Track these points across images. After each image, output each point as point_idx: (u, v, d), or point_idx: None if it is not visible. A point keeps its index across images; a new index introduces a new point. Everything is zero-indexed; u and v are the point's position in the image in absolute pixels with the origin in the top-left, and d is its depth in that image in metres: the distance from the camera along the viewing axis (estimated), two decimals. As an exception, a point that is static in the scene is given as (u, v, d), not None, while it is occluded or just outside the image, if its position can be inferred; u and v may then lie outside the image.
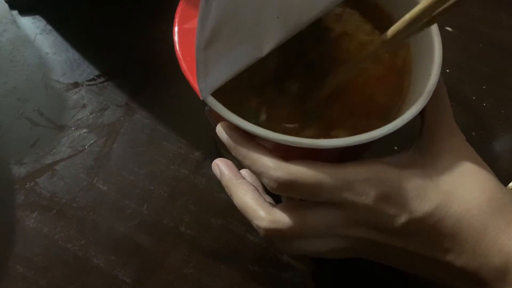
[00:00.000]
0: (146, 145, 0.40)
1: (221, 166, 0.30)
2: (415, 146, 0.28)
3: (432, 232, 0.25)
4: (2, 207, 0.37)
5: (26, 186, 0.38)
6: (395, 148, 0.40)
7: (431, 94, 0.27)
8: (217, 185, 0.38)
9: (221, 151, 0.39)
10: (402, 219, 0.24)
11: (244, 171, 0.31)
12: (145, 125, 0.41)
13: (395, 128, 0.25)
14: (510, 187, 0.39)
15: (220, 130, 0.27)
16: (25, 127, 0.41)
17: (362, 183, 0.25)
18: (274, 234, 0.27)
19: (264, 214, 0.27)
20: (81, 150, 0.40)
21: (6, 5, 0.48)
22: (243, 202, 0.28)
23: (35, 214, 0.37)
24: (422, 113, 0.29)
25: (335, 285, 0.35)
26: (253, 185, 0.29)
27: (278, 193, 0.26)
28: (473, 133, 0.41)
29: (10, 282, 0.34)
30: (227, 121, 0.26)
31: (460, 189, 0.25)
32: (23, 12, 0.48)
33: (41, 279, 0.34)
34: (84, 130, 0.41)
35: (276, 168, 0.25)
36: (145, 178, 0.39)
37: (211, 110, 0.27)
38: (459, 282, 0.26)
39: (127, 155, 0.40)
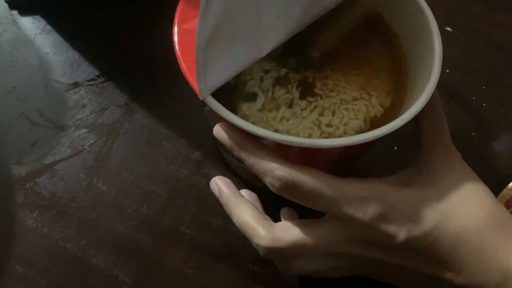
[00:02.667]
0: (146, 145, 0.40)
1: (219, 184, 0.30)
2: (413, 164, 0.28)
3: (431, 250, 0.25)
4: (2, 207, 0.37)
5: (26, 186, 0.38)
6: (395, 148, 0.40)
7: (431, 95, 0.27)
8: (217, 185, 0.38)
9: (221, 151, 0.39)
10: (401, 237, 0.25)
11: (243, 192, 0.31)
12: (145, 125, 0.41)
13: (395, 128, 0.25)
14: (510, 187, 0.39)
15: (218, 130, 0.27)
16: (25, 127, 0.41)
17: (362, 199, 0.25)
18: (274, 253, 0.27)
19: (264, 233, 0.27)
20: (81, 150, 0.40)
21: (6, 5, 0.48)
22: (242, 220, 0.28)
23: (35, 214, 0.37)
24: (418, 129, 0.29)
25: (335, 285, 0.35)
26: (253, 204, 0.29)
27: (279, 194, 0.26)
28: (473, 133, 0.41)
29: (10, 282, 0.34)
30: (226, 122, 0.26)
31: (457, 207, 0.25)
32: (23, 12, 0.48)
33: (41, 279, 0.34)
34: (84, 130, 0.41)
35: (280, 168, 0.25)
36: (145, 178, 0.39)
37: (211, 110, 0.27)
38: None
39: (127, 155, 0.40)
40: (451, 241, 0.24)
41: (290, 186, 0.25)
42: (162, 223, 0.37)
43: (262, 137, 0.25)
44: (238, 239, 0.36)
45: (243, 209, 0.28)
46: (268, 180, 0.26)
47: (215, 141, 0.39)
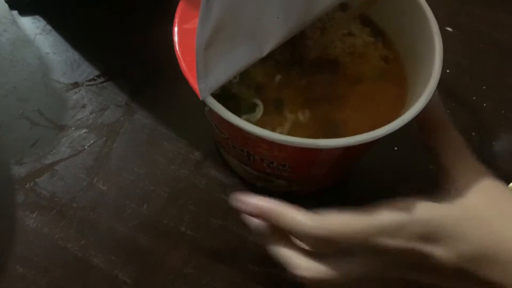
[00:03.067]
0: (146, 145, 0.40)
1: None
2: (443, 188, 0.27)
3: (479, 270, 0.24)
4: (2, 207, 0.37)
5: (26, 186, 0.38)
6: (395, 148, 0.40)
7: (431, 95, 0.27)
8: (217, 185, 0.38)
9: (221, 151, 0.39)
10: (446, 257, 0.24)
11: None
12: (145, 125, 0.41)
13: (395, 128, 0.25)
14: (511, 187, 0.39)
15: (246, 217, 0.28)
16: (25, 127, 0.41)
17: (401, 225, 0.24)
18: (317, 283, 0.26)
19: (305, 264, 0.26)
20: (81, 150, 0.40)
21: (6, 5, 0.48)
22: (280, 252, 0.27)
23: (35, 214, 0.37)
24: (435, 153, 0.28)
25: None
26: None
27: (316, 250, 0.26)
28: (473, 133, 0.41)
29: (10, 282, 0.34)
30: (240, 192, 0.27)
31: (501, 225, 0.24)
32: (23, 12, 0.48)
33: (41, 279, 0.34)
34: (84, 130, 0.41)
35: (307, 224, 0.25)
36: (145, 178, 0.39)
37: (211, 110, 0.27)
38: None
39: (127, 155, 0.40)
40: (499, 260, 0.24)
41: (323, 241, 0.25)
42: (162, 223, 0.37)
43: (262, 137, 0.25)
44: (238, 239, 0.36)
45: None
46: (300, 239, 0.26)
47: (215, 141, 0.39)
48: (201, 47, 0.24)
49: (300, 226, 0.25)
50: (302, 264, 0.26)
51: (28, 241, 0.36)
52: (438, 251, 0.24)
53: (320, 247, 0.26)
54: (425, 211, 0.24)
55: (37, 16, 0.48)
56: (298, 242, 0.27)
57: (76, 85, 0.43)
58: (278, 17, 0.26)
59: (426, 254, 0.24)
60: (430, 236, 0.24)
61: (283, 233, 0.28)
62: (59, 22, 0.47)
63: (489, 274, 0.24)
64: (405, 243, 0.24)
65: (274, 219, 0.26)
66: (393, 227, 0.24)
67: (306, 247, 0.27)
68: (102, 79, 0.44)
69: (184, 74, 0.27)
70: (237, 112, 0.26)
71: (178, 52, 0.28)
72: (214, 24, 0.23)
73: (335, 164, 0.30)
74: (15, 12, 0.48)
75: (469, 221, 0.24)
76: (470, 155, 0.27)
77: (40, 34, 0.47)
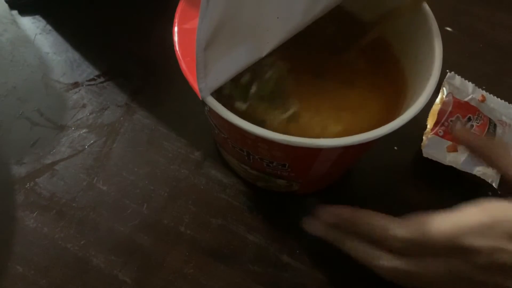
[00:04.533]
0: (146, 145, 0.40)
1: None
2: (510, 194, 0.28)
3: None
4: (2, 207, 0.37)
5: (26, 186, 0.38)
6: (395, 148, 0.40)
7: (431, 95, 0.27)
8: (217, 185, 0.38)
9: (221, 151, 0.39)
10: None
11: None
12: (145, 125, 0.41)
13: (395, 128, 0.25)
14: (438, 102, 0.40)
15: (324, 215, 0.29)
16: (25, 127, 0.41)
17: (489, 225, 0.24)
18: (404, 277, 0.27)
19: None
20: (81, 150, 0.40)
21: (6, 5, 0.48)
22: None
23: (35, 214, 0.37)
24: (490, 163, 0.29)
25: (335, 285, 0.35)
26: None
27: (404, 253, 0.26)
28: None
29: (10, 282, 0.34)
30: (319, 219, 0.29)
31: None
32: (23, 12, 0.48)
33: (41, 279, 0.34)
34: (84, 130, 0.41)
35: (395, 227, 0.26)
36: (145, 178, 0.39)
37: (210, 110, 0.27)
38: None
39: (127, 155, 0.40)
40: None
41: (413, 243, 0.25)
42: (162, 223, 0.37)
43: (262, 136, 0.25)
44: (238, 239, 0.36)
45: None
46: (389, 243, 0.26)
47: (215, 141, 0.39)
48: (201, 47, 0.24)
49: (393, 231, 0.26)
50: (383, 255, 0.27)
51: (28, 241, 0.36)
52: None
53: (410, 250, 0.26)
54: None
55: (37, 16, 0.48)
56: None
57: (76, 85, 0.43)
58: (278, 17, 0.27)
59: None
60: None
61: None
62: (59, 22, 0.47)
63: None
64: (494, 243, 0.24)
65: (359, 226, 0.27)
66: (482, 227, 0.24)
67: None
68: (102, 79, 0.44)
69: (184, 74, 0.27)
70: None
71: (178, 52, 0.28)
72: (214, 24, 0.23)
73: (335, 163, 0.30)
74: (15, 12, 0.48)
75: None
76: None
77: (40, 34, 0.47)
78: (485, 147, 0.29)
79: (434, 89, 0.27)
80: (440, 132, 0.38)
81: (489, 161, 0.29)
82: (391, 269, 0.27)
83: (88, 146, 0.40)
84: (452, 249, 0.25)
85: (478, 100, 0.41)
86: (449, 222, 0.25)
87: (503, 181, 0.33)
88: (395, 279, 0.28)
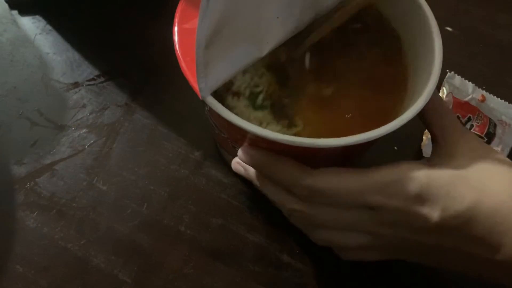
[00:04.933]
0: (146, 145, 0.40)
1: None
2: (434, 154, 0.28)
3: (467, 229, 0.25)
4: (2, 207, 0.37)
5: (26, 186, 0.38)
6: (395, 148, 0.40)
7: (431, 94, 0.27)
8: (217, 185, 0.38)
9: (221, 151, 0.39)
10: (435, 217, 0.24)
11: None
12: (145, 125, 0.41)
13: (395, 128, 0.25)
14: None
15: (241, 155, 0.28)
16: (25, 127, 0.41)
17: (392, 184, 0.25)
18: (315, 194, 0.27)
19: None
20: (81, 150, 0.40)
21: (6, 5, 0.48)
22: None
23: (35, 214, 0.37)
24: (427, 125, 0.29)
25: (335, 285, 0.35)
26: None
27: (309, 201, 0.27)
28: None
29: (10, 282, 0.34)
30: (247, 145, 0.27)
31: (489, 184, 0.25)
32: (23, 12, 0.48)
33: (41, 279, 0.34)
34: (84, 130, 0.41)
35: (304, 177, 0.26)
36: (145, 178, 0.39)
37: (211, 110, 0.27)
38: (501, 276, 0.26)
39: (127, 155, 0.40)
40: (488, 217, 0.24)
41: (317, 192, 0.26)
42: (162, 223, 0.37)
43: (262, 136, 0.25)
44: (238, 239, 0.36)
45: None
46: (296, 191, 0.26)
47: (215, 141, 0.39)
48: (201, 47, 0.24)
49: (298, 179, 0.26)
50: (292, 199, 0.27)
51: (28, 241, 0.36)
52: (431, 211, 0.25)
53: (316, 199, 0.27)
54: (420, 172, 0.25)
55: (37, 16, 0.48)
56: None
57: (76, 85, 0.43)
58: (278, 17, 0.27)
59: (419, 214, 0.25)
60: (424, 196, 0.25)
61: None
62: (59, 22, 0.47)
63: (476, 233, 0.25)
64: (399, 202, 0.25)
65: (270, 171, 0.27)
66: (384, 185, 0.25)
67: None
68: (102, 79, 0.44)
69: (184, 74, 0.27)
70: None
71: (178, 52, 0.28)
72: (214, 24, 0.23)
73: (335, 164, 0.30)
74: (15, 12, 0.48)
75: (461, 181, 0.25)
76: (458, 122, 0.29)
77: (40, 34, 0.47)
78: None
79: (434, 89, 0.27)
80: None
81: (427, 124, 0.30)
82: (295, 211, 0.28)
83: (88, 146, 0.40)
84: (355, 203, 0.26)
85: (478, 100, 0.41)
86: (356, 178, 0.25)
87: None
88: (298, 221, 0.29)
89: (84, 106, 0.42)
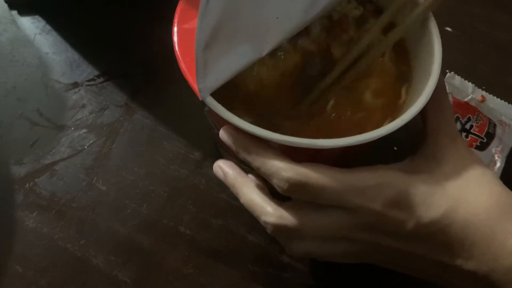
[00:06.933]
0: (146, 145, 0.40)
1: (224, 167, 0.30)
2: (420, 152, 0.28)
3: (440, 237, 0.25)
4: (2, 207, 0.37)
5: (26, 186, 0.38)
6: (395, 148, 0.40)
7: (431, 94, 0.27)
8: (217, 185, 0.38)
9: (221, 151, 0.39)
10: (410, 224, 0.25)
11: (250, 176, 0.31)
12: (145, 125, 0.41)
13: (395, 128, 0.25)
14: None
15: (223, 134, 0.27)
16: (24, 127, 0.41)
17: (371, 188, 0.25)
18: (281, 231, 0.27)
19: (272, 210, 0.27)
20: (81, 150, 0.40)
21: (5, 5, 0.48)
22: (249, 198, 0.28)
23: (34, 214, 0.37)
24: (424, 118, 0.29)
25: (335, 285, 0.35)
26: (260, 184, 0.29)
27: (288, 195, 0.26)
28: (473, 133, 0.41)
29: (9, 282, 0.34)
30: (231, 125, 0.26)
31: (466, 194, 0.25)
32: (23, 12, 0.48)
33: (41, 279, 0.34)
34: (84, 130, 0.41)
35: (286, 169, 0.25)
36: (145, 178, 0.39)
37: (210, 111, 0.27)
38: (470, 286, 0.26)
39: (126, 155, 0.40)
40: (461, 228, 0.25)
41: (297, 186, 0.25)
42: (162, 223, 0.37)
43: (262, 137, 0.25)
44: (238, 239, 0.36)
45: (251, 188, 0.28)
46: (275, 182, 0.26)
47: (215, 141, 0.39)
48: (201, 47, 0.24)
49: (281, 170, 0.25)
50: (269, 210, 0.27)
51: (28, 241, 0.36)
52: (407, 218, 0.25)
53: (294, 194, 0.26)
54: (399, 179, 0.25)
55: (37, 16, 0.48)
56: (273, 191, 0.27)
57: (75, 85, 0.43)
58: (277, 17, 0.26)
59: (395, 219, 0.25)
60: (401, 202, 0.25)
61: (256, 183, 0.28)
62: (59, 22, 0.47)
63: (448, 242, 0.25)
64: (377, 206, 0.25)
65: (250, 157, 0.27)
66: (369, 190, 0.25)
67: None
68: (101, 79, 0.44)
69: (184, 74, 0.27)
70: None
71: (178, 52, 0.28)
72: (214, 24, 0.23)
73: (335, 164, 0.30)
74: (14, 12, 0.48)
75: (439, 190, 0.25)
76: (453, 124, 0.29)
77: (40, 34, 0.47)
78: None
79: (434, 89, 0.27)
80: None
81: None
82: (272, 216, 0.27)
83: (87, 146, 0.40)
84: (334, 203, 0.26)
85: (478, 100, 0.41)
86: (339, 177, 0.25)
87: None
88: (275, 232, 0.28)
89: (83, 106, 0.42)
